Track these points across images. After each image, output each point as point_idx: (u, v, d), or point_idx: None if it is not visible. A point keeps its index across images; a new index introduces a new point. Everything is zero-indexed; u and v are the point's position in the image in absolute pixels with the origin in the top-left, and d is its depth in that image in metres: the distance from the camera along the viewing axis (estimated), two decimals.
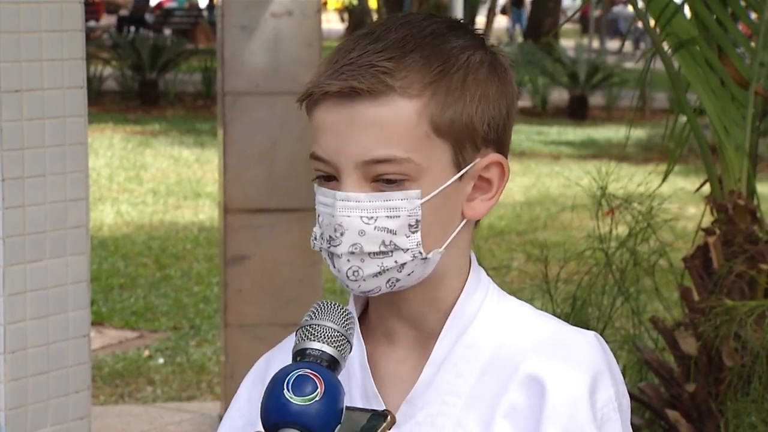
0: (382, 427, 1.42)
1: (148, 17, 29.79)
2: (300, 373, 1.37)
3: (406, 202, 1.44)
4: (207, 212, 10.61)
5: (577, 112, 18.38)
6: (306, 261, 5.03)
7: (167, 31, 27.37)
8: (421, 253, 1.45)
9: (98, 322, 7.16)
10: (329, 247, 1.45)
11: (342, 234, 1.44)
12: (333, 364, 1.40)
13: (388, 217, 1.44)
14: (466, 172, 1.47)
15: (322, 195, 1.47)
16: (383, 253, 1.44)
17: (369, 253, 1.44)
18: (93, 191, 11.03)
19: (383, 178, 1.44)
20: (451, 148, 1.46)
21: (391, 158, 1.43)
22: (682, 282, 3.53)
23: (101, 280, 8.13)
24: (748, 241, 3.37)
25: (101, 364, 6.46)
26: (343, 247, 1.44)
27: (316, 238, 1.49)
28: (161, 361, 6.60)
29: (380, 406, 1.49)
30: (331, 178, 1.46)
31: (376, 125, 1.43)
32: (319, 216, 1.47)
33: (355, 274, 1.45)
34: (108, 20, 32.26)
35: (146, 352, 6.75)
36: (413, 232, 1.44)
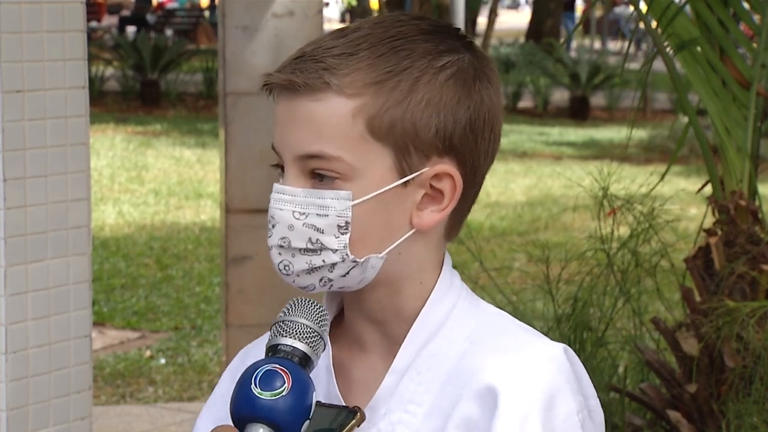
0: (350, 424, 1.42)
1: (150, 17, 29.80)
2: (268, 368, 1.37)
3: (336, 202, 1.42)
4: (208, 212, 10.62)
5: (578, 112, 18.38)
6: None
7: (169, 32, 27.39)
8: (349, 255, 1.42)
9: (99, 322, 7.16)
10: (267, 238, 1.46)
11: (273, 226, 1.44)
12: (304, 361, 1.39)
13: (317, 215, 1.42)
14: (411, 179, 1.43)
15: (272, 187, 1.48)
16: (310, 250, 1.43)
17: (298, 249, 1.43)
18: (94, 191, 11.04)
19: (316, 174, 1.43)
20: (392, 153, 1.42)
21: (322, 155, 1.42)
22: (683, 283, 3.53)
23: (103, 280, 8.13)
24: (749, 242, 3.37)
25: (103, 365, 6.46)
26: (273, 239, 1.44)
27: None
28: (162, 361, 6.61)
29: None
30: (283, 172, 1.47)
31: (311, 121, 1.42)
32: None
33: (286, 268, 1.45)
34: (109, 20, 32.27)
35: (147, 353, 6.75)
36: (342, 233, 1.42)
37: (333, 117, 1.42)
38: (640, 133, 14.74)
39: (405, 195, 1.44)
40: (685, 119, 3.54)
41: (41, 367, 3.08)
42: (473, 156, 1.46)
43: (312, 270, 1.44)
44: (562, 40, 19.57)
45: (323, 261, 1.43)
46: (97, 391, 6.02)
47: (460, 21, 11.65)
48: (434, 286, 1.48)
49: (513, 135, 15.52)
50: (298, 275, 1.45)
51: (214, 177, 11.78)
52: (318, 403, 1.40)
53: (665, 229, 3.81)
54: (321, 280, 1.45)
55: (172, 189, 11.78)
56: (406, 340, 1.47)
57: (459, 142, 1.44)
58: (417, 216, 1.45)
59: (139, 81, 18.59)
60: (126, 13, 32.19)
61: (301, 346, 1.40)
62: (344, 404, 1.46)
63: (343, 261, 1.43)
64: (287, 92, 1.44)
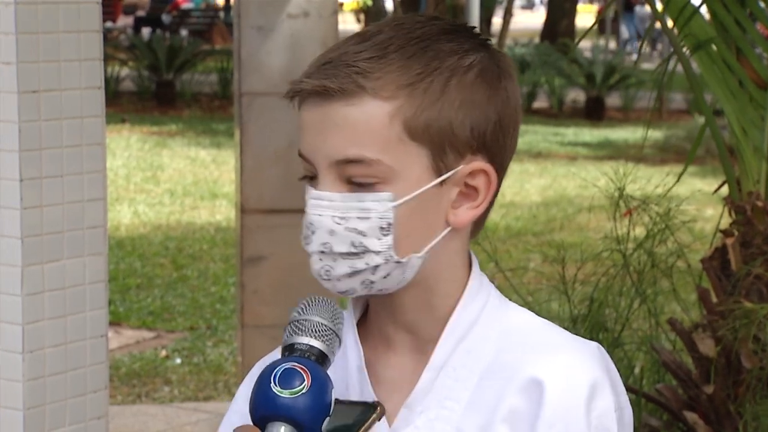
0: (371, 419, 1.42)
1: (165, 18, 29.85)
2: (287, 366, 1.37)
3: (378, 204, 1.43)
4: (224, 213, 10.63)
5: (593, 113, 18.35)
6: None
7: (184, 32, 27.43)
8: (392, 256, 1.44)
9: (115, 322, 7.18)
10: (304, 245, 1.46)
11: (313, 233, 1.44)
12: (321, 359, 1.40)
13: (359, 218, 1.43)
14: (447, 178, 1.45)
15: (306, 193, 1.47)
16: (353, 254, 1.43)
17: (339, 254, 1.43)
18: (110, 191, 11.06)
19: (354, 181, 1.43)
20: (429, 153, 1.44)
21: (361, 159, 1.42)
22: (700, 283, 3.52)
23: (118, 280, 8.15)
24: (766, 243, 3.36)
25: (118, 364, 6.47)
26: (314, 245, 1.44)
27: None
28: (178, 361, 6.62)
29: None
30: (314, 177, 1.46)
31: (348, 125, 1.42)
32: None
33: (327, 273, 1.45)
34: (125, 21, 32.34)
35: (163, 352, 6.77)
36: (385, 235, 1.43)
37: (370, 120, 1.43)
38: (656, 134, 14.71)
39: (441, 194, 1.46)
40: (701, 119, 3.53)
41: (57, 367, 3.09)
42: (501, 152, 1.49)
43: (354, 273, 1.44)
44: (576, 40, 19.54)
45: (366, 264, 1.44)
46: (113, 391, 6.03)
47: (475, 21, 11.64)
48: (466, 283, 1.50)
49: (528, 135, 15.50)
50: (338, 279, 1.45)
51: (229, 177, 11.80)
52: (337, 400, 1.40)
53: (681, 230, 3.80)
54: (362, 282, 1.45)
55: (187, 189, 11.79)
56: (442, 337, 1.48)
57: (490, 138, 1.47)
58: (453, 214, 1.47)
59: (155, 81, 18.62)
60: (141, 13, 32.25)
61: (317, 344, 1.40)
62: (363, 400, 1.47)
63: (386, 262, 1.44)
64: (318, 98, 1.44)
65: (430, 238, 1.46)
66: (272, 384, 1.36)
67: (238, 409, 1.58)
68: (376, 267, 1.44)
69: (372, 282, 1.45)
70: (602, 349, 1.50)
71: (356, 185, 1.43)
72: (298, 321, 1.42)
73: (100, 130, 3.16)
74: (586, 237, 8.55)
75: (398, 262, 1.44)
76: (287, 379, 1.36)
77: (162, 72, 18.43)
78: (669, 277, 3.77)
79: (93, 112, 3.14)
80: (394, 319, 1.50)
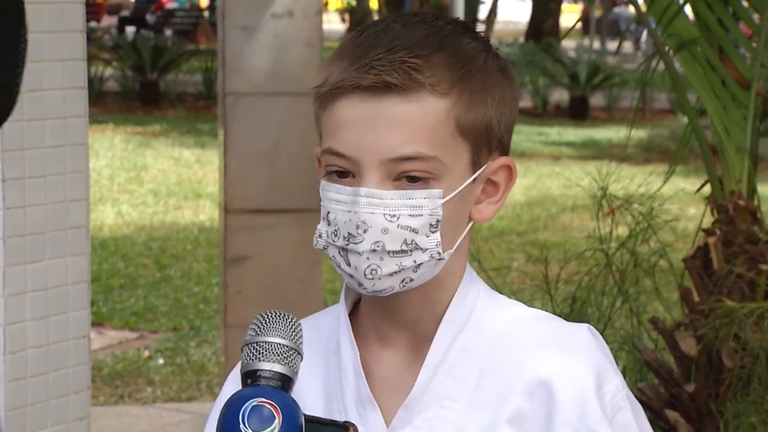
0: None
1: (149, 18, 29.78)
2: (254, 403, 1.32)
3: (429, 201, 1.42)
4: (207, 213, 10.61)
5: (577, 112, 18.38)
6: (307, 262, 5.03)
7: (168, 32, 27.37)
8: (439, 253, 1.43)
9: (98, 322, 7.16)
10: (347, 245, 1.41)
11: (365, 231, 1.41)
12: (285, 382, 1.35)
13: (410, 215, 1.41)
14: (479, 174, 1.46)
15: (336, 192, 1.43)
16: (403, 252, 1.42)
17: (389, 252, 1.41)
18: (93, 192, 11.03)
19: (407, 176, 1.41)
20: (470, 150, 1.45)
21: (419, 156, 1.41)
22: (682, 283, 3.53)
23: (101, 280, 8.13)
24: (748, 242, 3.37)
25: (101, 365, 6.46)
26: (366, 244, 1.41)
27: (321, 236, 1.45)
28: (161, 361, 6.60)
29: (375, 411, 1.47)
30: (345, 174, 1.43)
31: (405, 122, 1.41)
32: (329, 213, 1.43)
33: (373, 272, 1.42)
34: (109, 21, 32.25)
35: (146, 353, 6.75)
36: (433, 232, 1.42)
37: (430, 117, 1.42)
38: (640, 133, 14.73)
39: (471, 189, 1.47)
40: (684, 119, 3.54)
41: (39, 368, 3.08)
42: (509, 148, 1.52)
43: (399, 271, 1.42)
44: (561, 38, 19.57)
45: (414, 261, 1.42)
46: (95, 392, 6.01)
47: None
48: (461, 278, 1.50)
49: (512, 135, 15.49)
50: (380, 279, 1.42)
51: (213, 177, 11.78)
52: (307, 418, 1.36)
53: (664, 229, 3.80)
54: (402, 281, 1.43)
55: (171, 189, 11.77)
56: (437, 335, 1.47)
57: (509, 135, 1.50)
58: (476, 210, 1.48)
59: (139, 81, 18.58)
60: (125, 13, 32.16)
61: (279, 368, 1.35)
62: (366, 412, 1.45)
63: (429, 260, 1.43)
64: (371, 94, 1.41)
65: (460, 234, 1.46)
66: (242, 425, 1.31)
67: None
68: (420, 264, 1.43)
69: (411, 280, 1.43)
70: (592, 328, 1.50)
71: (404, 181, 1.42)
72: (257, 343, 1.37)
73: (83, 130, 3.16)
74: (570, 236, 8.56)
75: (440, 260, 1.44)
76: (257, 418, 1.31)
77: (146, 72, 18.39)
78: (651, 276, 3.78)
79: (76, 112, 3.14)
80: (393, 317, 1.49)
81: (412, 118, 1.41)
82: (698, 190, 3.63)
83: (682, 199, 5.08)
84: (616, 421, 1.45)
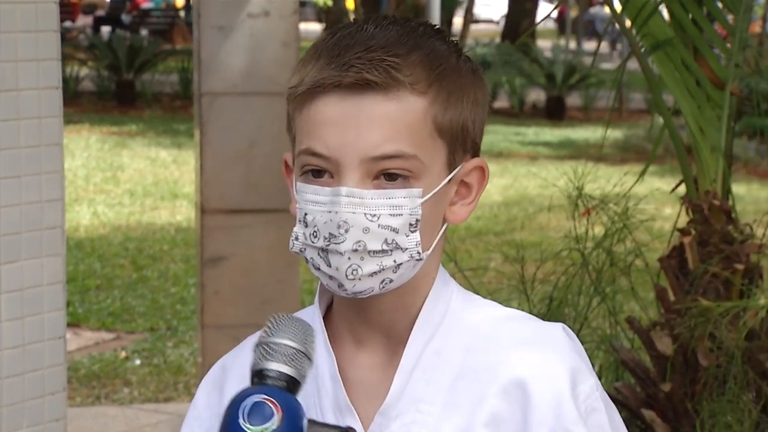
0: None
1: (125, 17, 29.70)
2: (256, 399, 1.31)
3: (409, 201, 1.42)
4: (184, 213, 10.59)
5: (554, 112, 18.43)
6: (283, 262, 5.02)
7: (144, 32, 27.30)
8: (419, 252, 1.43)
9: (74, 323, 7.13)
10: (328, 245, 1.41)
11: (347, 231, 1.40)
12: (292, 384, 1.35)
13: (390, 215, 1.41)
14: (455, 174, 1.46)
15: (314, 192, 1.42)
16: (384, 251, 1.41)
17: (370, 252, 1.41)
18: (69, 192, 10.99)
19: (386, 173, 1.41)
20: (446, 150, 1.45)
21: (400, 154, 1.41)
22: (658, 282, 3.54)
23: (77, 281, 8.10)
24: (723, 242, 3.38)
25: (77, 366, 6.44)
26: (347, 244, 1.40)
27: (297, 239, 1.44)
28: (138, 362, 6.58)
29: (353, 417, 1.46)
30: (320, 174, 1.42)
31: (386, 120, 1.41)
32: (306, 214, 1.43)
33: (354, 272, 1.41)
34: (84, 20, 32.14)
35: (123, 354, 6.73)
36: (413, 232, 1.42)
37: (409, 115, 1.42)
38: (616, 133, 14.78)
39: (446, 190, 1.47)
40: (660, 119, 3.55)
41: (15, 369, 3.07)
42: (480, 148, 1.52)
43: (379, 272, 1.42)
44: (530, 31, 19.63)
45: (393, 261, 1.42)
46: (72, 393, 5.99)
47: (435, 21, 11.67)
48: (434, 280, 1.49)
49: (489, 135, 15.52)
50: (360, 279, 1.42)
51: (189, 177, 11.75)
52: (310, 421, 1.36)
53: (640, 229, 3.82)
54: (382, 282, 1.43)
55: (147, 189, 11.74)
56: (410, 339, 1.47)
57: (481, 135, 1.50)
58: (450, 211, 1.48)
59: (115, 81, 18.52)
60: (100, 13, 32.06)
61: (287, 369, 1.35)
62: (345, 419, 1.45)
63: (409, 260, 1.43)
64: (351, 92, 1.41)
65: (435, 235, 1.46)
66: (242, 420, 1.31)
67: (198, 414, 1.55)
68: (400, 265, 1.42)
69: (390, 281, 1.43)
70: (567, 328, 1.50)
71: (383, 180, 1.41)
72: (267, 344, 1.37)
73: (58, 130, 3.14)
74: (546, 236, 8.59)
75: (419, 260, 1.43)
76: (257, 414, 1.31)
77: (122, 72, 18.34)
78: (627, 275, 3.79)
79: (51, 112, 3.12)
80: (367, 319, 1.48)
81: (393, 117, 1.41)
82: (673, 189, 3.64)
83: (658, 199, 5.10)
84: (590, 422, 1.45)
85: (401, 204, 1.41)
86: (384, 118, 1.41)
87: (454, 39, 1.51)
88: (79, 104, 17.57)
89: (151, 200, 11.22)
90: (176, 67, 18.96)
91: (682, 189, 3.53)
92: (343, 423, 1.46)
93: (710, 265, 3.34)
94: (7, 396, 3.05)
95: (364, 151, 1.40)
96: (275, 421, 1.31)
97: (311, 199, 1.42)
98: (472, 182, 1.49)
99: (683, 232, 3.44)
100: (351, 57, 1.41)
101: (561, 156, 14.24)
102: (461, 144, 1.46)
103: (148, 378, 6.33)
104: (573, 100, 19.03)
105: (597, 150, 13.67)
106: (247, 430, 1.30)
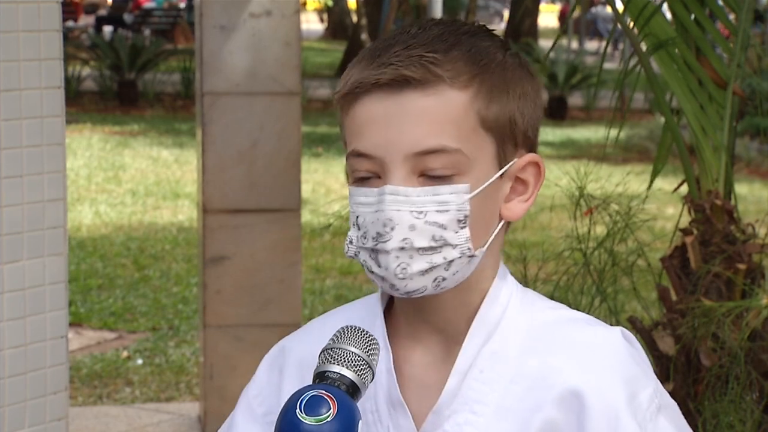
0: None
1: (127, 17, 29.71)
2: (314, 393, 1.34)
3: (455, 197, 1.41)
4: (186, 213, 10.59)
5: (556, 112, 18.43)
6: (285, 261, 5.02)
7: (146, 31, 27.30)
8: (469, 249, 1.42)
9: (76, 323, 7.14)
10: (376, 245, 1.41)
11: (392, 229, 1.40)
12: (352, 389, 1.37)
13: (437, 211, 1.40)
14: (506, 170, 1.46)
15: (361, 195, 1.43)
16: (432, 248, 1.41)
17: (418, 249, 1.40)
18: (71, 192, 11.00)
19: (431, 174, 1.41)
20: (494, 144, 1.44)
21: (443, 149, 1.41)
22: (660, 282, 3.54)
23: (79, 280, 8.10)
24: (725, 241, 3.38)
25: (79, 365, 6.44)
26: (393, 242, 1.40)
27: (351, 242, 1.44)
28: (140, 362, 6.59)
29: (406, 414, 1.47)
30: (367, 179, 1.43)
31: (427, 115, 1.41)
32: (358, 217, 1.43)
33: (403, 271, 1.41)
34: (86, 20, 32.15)
35: (125, 353, 6.73)
36: (462, 228, 1.42)
37: (450, 110, 1.41)
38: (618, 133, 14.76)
39: (499, 187, 1.46)
40: (662, 119, 3.55)
41: (17, 368, 3.07)
42: (537, 145, 1.51)
43: (430, 270, 1.41)
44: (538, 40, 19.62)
45: (443, 258, 1.41)
46: (73, 392, 6.00)
47: None
48: (494, 279, 1.49)
49: (539, 132, 15.52)
50: (412, 278, 1.41)
51: (191, 177, 11.76)
52: None
53: (642, 229, 3.82)
54: (435, 280, 1.42)
55: (149, 189, 11.75)
56: (467, 338, 1.46)
57: (535, 131, 1.49)
58: (506, 208, 1.47)
59: (117, 81, 18.53)
60: (103, 12, 32.07)
61: (348, 374, 1.37)
62: (396, 414, 1.45)
63: (460, 257, 1.42)
64: (391, 90, 1.41)
65: (490, 232, 1.45)
66: (298, 410, 1.33)
67: (258, 393, 1.57)
68: (451, 262, 1.41)
69: (444, 279, 1.42)
70: (626, 332, 1.49)
71: (430, 178, 1.41)
72: (331, 349, 1.39)
73: (60, 130, 3.14)
74: (548, 236, 8.59)
75: (471, 257, 1.42)
76: (313, 406, 1.33)
77: (124, 71, 18.35)
78: (629, 275, 3.79)
79: (53, 111, 3.12)
80: (423, 317, 1.48)
81: (433, 111, 1.41)
82: (675, 189, 3.64)
83: (660, 199, 5.10)
84: (655, 429, 1.44)
85: (448, 200, 1.41)
86: (424, 114, 1.41)
87: (500, 37, 1.51)
88: (82, 104, 17.58)
89: (153, 200, 11.22)
90: (178, 66, 18.96)
91: (684, 189, 3.53)
92: (396, 419, 1.47)
93: (712, 265, 3.34)
94: (9, 395, 3.05)
95: (407, 147, 1.40)
96: (329, 416, 1.33)
97: (360, 201, 1.43)
98: (528, 178, 1.48)
99: (685, 231, 3.44)
100: (390, 56, 1.42)
101: (563, 156, 14.25)
102: (510, 138, 1.45)
103: (149, 377, 6.33)
104: (575, 100, 19.03)
105: (599, 150, 13.67)
106: (302, 420, 1.33)
